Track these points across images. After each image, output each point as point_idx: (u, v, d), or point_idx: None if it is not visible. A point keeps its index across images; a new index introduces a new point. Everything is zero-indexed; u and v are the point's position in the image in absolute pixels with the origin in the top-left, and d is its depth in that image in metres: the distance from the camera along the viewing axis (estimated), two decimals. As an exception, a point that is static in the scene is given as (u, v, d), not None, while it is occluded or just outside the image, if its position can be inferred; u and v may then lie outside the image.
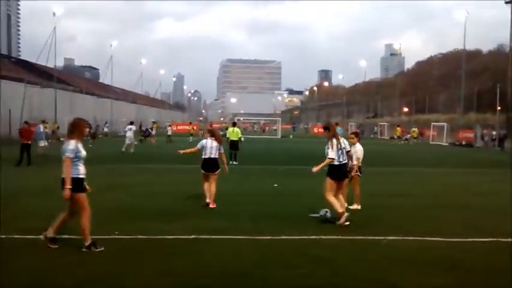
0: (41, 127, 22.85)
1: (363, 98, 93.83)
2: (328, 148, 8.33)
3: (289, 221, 8.42)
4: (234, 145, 20.11)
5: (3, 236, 7.05)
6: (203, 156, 9.90)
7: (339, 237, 7.33)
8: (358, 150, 9.78)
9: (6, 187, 12.03)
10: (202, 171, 9.94)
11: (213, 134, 10.13)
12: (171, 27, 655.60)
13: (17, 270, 5.53)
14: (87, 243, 6.27)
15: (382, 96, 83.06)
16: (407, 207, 10.09)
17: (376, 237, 7.31)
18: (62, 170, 6.22)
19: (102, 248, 6.28)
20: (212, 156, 9.85)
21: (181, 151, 10.40)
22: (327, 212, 8.56)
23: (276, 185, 13.12)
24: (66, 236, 6.85)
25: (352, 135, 10.17)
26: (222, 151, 10.05)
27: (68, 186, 6.16)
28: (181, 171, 17.06)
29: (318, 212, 8.72)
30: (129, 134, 27.44)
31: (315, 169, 8.41)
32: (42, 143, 21.61)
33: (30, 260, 5.95)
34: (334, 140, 8.35)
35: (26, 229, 7.32)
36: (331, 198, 8.27)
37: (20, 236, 7.03)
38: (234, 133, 20.28)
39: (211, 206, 9.63)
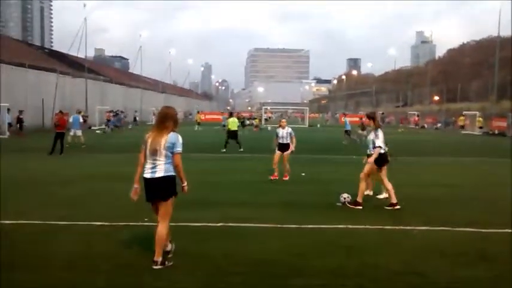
0: (80, 117, 23.31)
1: (393, 86, 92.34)
2: (376, 138, 8.67)
3: (316, 210, 8.40)
4: (233, 134, 20.91)
5: (40, 222, 7.25)
6: (279, 141, 12.22)
7: (368, 226, 7.25)
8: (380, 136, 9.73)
9: (40, 175, 12.36)
10: (278, 152, 12.16)
11: (283, 125, 12.33)
12: (199, 17, 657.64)
13: (54, 252, 5.67)
14: (161, 259, 5.23)
15: (412, 85, 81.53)
16: (440, 197, 9.89)
17: (407, 227, 7.20)
18: (177, 168, 5.27)
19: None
20: (285, 141, 12.11)
21: (290, 149, 12.22)
22: (345, 198, 8.72)
23: (303, 174, 13.07)
24: (98, 223, 7.00)
25: (368, 121, 9.95)
26: (293, 135, 12.22)
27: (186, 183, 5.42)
28: (206, 159, 17.20)
29: (339, 199, 8.76)
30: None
31: (370, 159, 8.62)
32: (79, 132, 22.24)
33: (66, 244, 6.09)
34: (380, 131, 8.81)
35: (59, 216, 7.50)
36: (363, 185, 8.66)
37: (55, 222, 7.20)
38: (233, 123, 21.28)
39: (284, 178, 12.00)
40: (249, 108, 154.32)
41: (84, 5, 48.44)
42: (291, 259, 5.62)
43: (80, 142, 21.98)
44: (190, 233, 6.81)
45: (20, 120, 29.51)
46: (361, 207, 8.53)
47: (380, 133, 8.75)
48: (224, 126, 38.99)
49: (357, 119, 44.46)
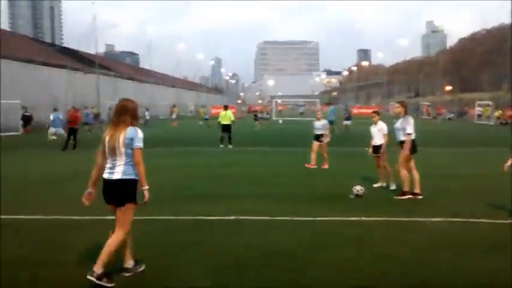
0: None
1: (404, 77, 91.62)
2: (408, 124, 8.57)
3: (330, 202, 8.41)
4: (226, 128, 19.86)
5: (60, 217, 7.36)
6: (316, 132, 13.15)
7: (381, 218, 7.24)
8: (382, 128, 9.89)
9: (54, 171, 12.50)
10: (315, 142, 13.07)
11: (318, 117, 13.36)
12: (209, 12, 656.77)
13: (70, 246, 5.75)
14: (100, 272, 4.46)
15: (423, 75, 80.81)
16: (455, 189, 9.82)
17: (421, 219, 7.18)
18: (137, 167, 4.61)
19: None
20: (319, 132, 13.03)
21: (326, 140, 13.13)
22: (358, 190, 8.69)
23: (316, 166, 13.07)
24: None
25: (374, 114, 10.22)
26: (327, 126, 13.26)
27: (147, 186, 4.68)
28: (214, 154, 17.26)
29: (352, 192, 8.77)
30: None
31: (406, 148, 8.59)
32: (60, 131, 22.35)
33: (84, 237, 6.16)
34: (410, 117, 8.75)
35: (80, 211, 7.59)
36: (405, 173, 8.66)
37: (78, 217, 7.29)
38: (226, 117, 19.90)
39: (323, 167, 12.76)
40: (260, 101, 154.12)
41: (93, 2, 48.68)
42: (304, 252, 5.65)
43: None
44: (204, 226, 6.87)
45: (24, 117, 29.49)
46: (410, 197, 8.57)
47: (411, 120, 8.65)
48: (206, 120, 38.68)
49: (369, 110, 44.14)
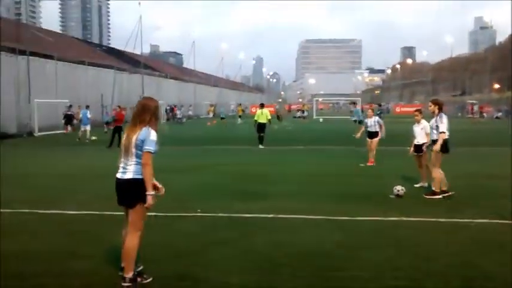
0: (88, 112, 24.35)
1: (450, 75, 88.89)
2: (441, 123, 8.44)
3: (369, 202, 8.29)
4: (261, 128, 19.35)
5: (97, 212, 7.64)
6: (368, 130, 13.48)
7: (422, 219, 7.09)
8: (426, 126, 9.62)
9: (99, 167, 12.93)
10: (368, 139, 13.43)
11: (370, 115, 13.74)
12: (250, 12, 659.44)
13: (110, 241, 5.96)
14: (131, 275, 4.52)
15: (470, 73, 78.12)
16: (499, 189, 9.49)
17: (462, 220, 6.99)
18: (143, 169, 4.43)
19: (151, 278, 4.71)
20: (373, 130, 13.32)
21: (358, 135, 14.33)
22: (398, 190, 8.56)
23: (362, 165, 12.99)
24: (153, 214, 7.25)
25: (416, 113, 10.01)
26: (381, 123, 13.39)
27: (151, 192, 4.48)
28: (252, 152, 17.36)
29: (392, 192, 8.64)
30: None
31: (437, 147, 8.46)
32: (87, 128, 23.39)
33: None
34: (444, 116, 8.54)
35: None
36: (438, 173, 8.50)
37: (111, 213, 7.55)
38: (262, 115, 19.47)
39: (369, 164, 13.09)
40: (300, 100, 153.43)
41: (139, 3, 49.85)
42: (341, 251, 5.61)
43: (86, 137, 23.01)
44: (242, 224, 6.92)
45: (67, 116, 29.94)
46: (440, 197, 8.47)
47: (445, 118, 8.51)
48: (223, 118, 38.52)
49: (413, 109, 43.08)
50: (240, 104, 53.03)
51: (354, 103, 38.04)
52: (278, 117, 38.79)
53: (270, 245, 5.85)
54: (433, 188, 8.60)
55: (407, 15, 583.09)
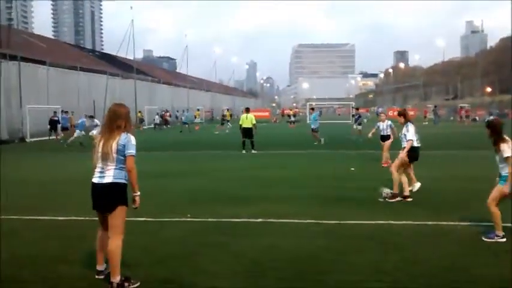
0: (85, 120, 24.44)
1: (442, 78, 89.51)
2: (407, 131, 8.98)
3: (357, 206, 8.34)
4: (247, 133, 18.73)
5: (87, 218, 7.61)
6: (381, 133, 14.00)
7: (410, 222, 7.14)
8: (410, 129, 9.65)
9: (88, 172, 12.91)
10: (382, 142, 13.94)
11: (383, 119, 14.11)
12: (244, 15, 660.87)
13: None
14: (118, 279, 4.54)
15: (462, 77, 78.71)
16: (486, 192, 9.55)
17: (450, 223, 7.05)
18: (129, 173, 4.58)
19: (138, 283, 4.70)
20: (385, 133, 13.87)
21: (370, 135, 14.59)
22: (386, 193, 8.74)
23: (353, 169, 13.05)
24: (142, 219, 7.26)
25: (400, 116, 9.95)
26: (393, 126, 13.68)
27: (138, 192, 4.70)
28: (240, 156, 17.38)
29: (380, 194, 8.79)
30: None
31: (402, 154, 8.84)
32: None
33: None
34: (410, 124, 9.08)
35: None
36: (396, 176, 8.82)
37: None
38: (247, 120, 18.71)
39: (384, 165, 13.17)
40: (294, 104, 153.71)
41: (131, 7, 49.86)
42: (329, 255, 5.63)
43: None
44: (231, 228, 6.95)
45: (52, 122, 29.35)
46: (400, 199, 8.66)
47: (410, 127, 9.00)
48: (185, 124, 38.49)
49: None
50: (228, 109, 53.18)
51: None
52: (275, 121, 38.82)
53: (258, 249, 5.88)
54: (392, 191, 8.82)
55: (401, 20, 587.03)
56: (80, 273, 5.05)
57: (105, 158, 4.54)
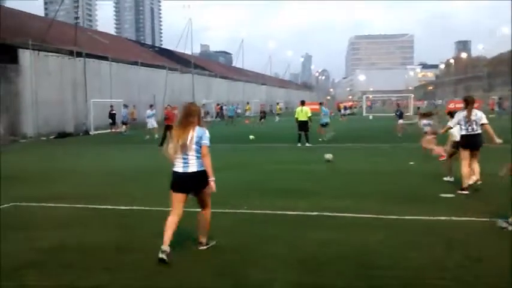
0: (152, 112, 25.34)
1: (508, 69, 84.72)
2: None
3: (417, 201, 8.08)
4: (303, 126, 18.58)
5: (147, 208, 7.90)
6: (424, 129, 14.22)
7: (473, 218, 6.86)
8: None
9: (151, 165, 13.33)
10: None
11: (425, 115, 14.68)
12: (299, 10, 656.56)
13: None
14: (206, 240, 5.70)
15: (532, 66, 74.15)
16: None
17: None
18: (204, 160, 5.30)
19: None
20: (427, 129, 13.93)
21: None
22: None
23: (412, 163, 12.70)
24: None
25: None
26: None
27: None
28: (295, 149, 17.31)
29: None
30: None
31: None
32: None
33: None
34: (459, 112, 8.93)
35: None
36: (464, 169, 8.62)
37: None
38: (302, 113, 18.55)
39: (440, 158, 11.92)
40: (350, 97, 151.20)
41: (189, 6, 50.85)
42: (387, 250, 5.51)
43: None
44: (286, 221, 6.95)
45: (111, 115, 30.21)
46: (467, 192, 8.44)
47: (457, 114, 8.91)
48: (230, 117, 38.65)
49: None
50: (278, 103, 53.44)
51: (321, 103, 32.62)
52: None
53: (314, 242, 5.84)
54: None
55: (461, 9, 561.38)
56: (140, 262, 5.22)
57: (184, 149, 5.25)
